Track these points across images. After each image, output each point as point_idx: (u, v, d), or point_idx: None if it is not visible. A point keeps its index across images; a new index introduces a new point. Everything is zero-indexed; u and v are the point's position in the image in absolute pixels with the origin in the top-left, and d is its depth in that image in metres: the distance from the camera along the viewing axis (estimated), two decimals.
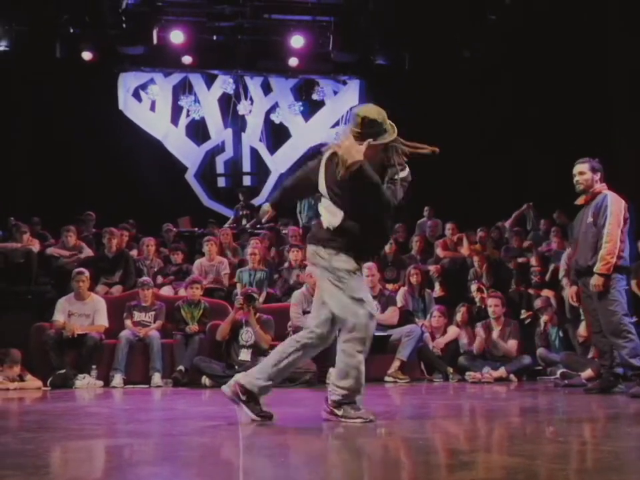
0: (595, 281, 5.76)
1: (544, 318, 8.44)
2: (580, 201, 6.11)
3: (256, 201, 13.84)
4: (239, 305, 7.69)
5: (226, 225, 12.16)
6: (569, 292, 6.57)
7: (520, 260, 10.12)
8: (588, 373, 7.07)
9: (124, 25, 12.06)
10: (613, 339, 5.83)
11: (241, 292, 8.20)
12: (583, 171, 6.00)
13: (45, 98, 12.72)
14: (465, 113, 12.92)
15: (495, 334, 8.10)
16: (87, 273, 8.25)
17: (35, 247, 9.74)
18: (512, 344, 8.05)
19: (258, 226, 12.59)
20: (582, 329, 8.01)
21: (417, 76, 12.97)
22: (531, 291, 9.41)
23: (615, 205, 5.82)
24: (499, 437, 3.83)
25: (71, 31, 12.12)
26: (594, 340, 6.28)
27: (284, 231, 11.57)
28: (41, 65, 12.55)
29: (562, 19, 11.42)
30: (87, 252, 9.80)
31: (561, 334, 8.29)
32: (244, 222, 12.74)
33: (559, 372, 7.36)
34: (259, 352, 7.57)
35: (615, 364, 6.06)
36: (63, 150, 12.89)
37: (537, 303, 8.68)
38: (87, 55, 12.56)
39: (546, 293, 9.11)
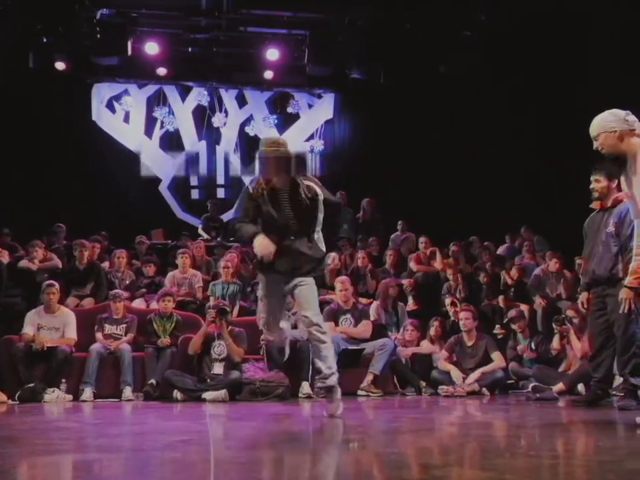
0: (625, 294, 5.54)
1: (515, 327, 8.50)
2: (595, 205, 6.02)
3: (229, 214, 13.84)
4: (211, 319, 7.66)
5: (200, 238, 12.07)
6: (581, 298, 6.37)
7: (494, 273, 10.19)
8: (559, 386, 7.12)
9: (98, 36, 11.99)
10: (621, 354, 5.74)
11: (213, 305, 8.16)
12: (598, 179, 5.94)
13: (18, 108, 12.60)
14: (439, 127, 13.02)
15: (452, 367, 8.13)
16: (57, 286, 8.16)
17: (5, 258, 9.60)
18: (496, 356, 8.06)
19: (232, 239, 12.55)
20: (555, 342, 8.07)
21: (393, 90, 13.05)
22: (502, 305, 9.47)
23: None
24: (471, 451, 3.83)
25: (45, 40, 12.02)
26: (594, 352, 6.18)
27: None
28: (14, 74, 12.43)
29: (537, 33, 11.56)
30: (57, 263, 9.70)
31: (532, 346, 8.33)
32: (213, 234, 12.65)
33: (530, 385, 7.39)
34: (231, 365, 7.53)
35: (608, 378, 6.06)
36: (35, 160, 12.77)
37: (511, 313, 8.73)
38: (60, 65, 12.46)
39: (518, 306, 9.19)
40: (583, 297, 6.21)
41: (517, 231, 11.95)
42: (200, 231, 12.90)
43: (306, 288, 5.14)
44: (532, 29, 11.50)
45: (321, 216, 5.12)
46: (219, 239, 12.41)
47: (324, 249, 5.23)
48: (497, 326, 9.16)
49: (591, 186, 6.01)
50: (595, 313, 6.03)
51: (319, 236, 5.20)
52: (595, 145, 4.71)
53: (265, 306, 5.37)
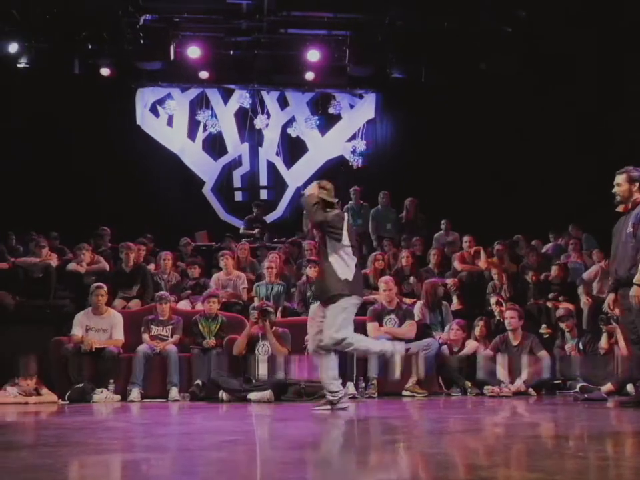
0: (635, 292, 5.66)
1: (564, 326, 8.39)
2: (620, 208, 6.07)
3: (272, 216, 13.98)
4: (254, 319, 7.70)
5: (244, 240, 12.14)
6: (607, 299, 6.32)
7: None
8: (608, 386, 7.00)
9: (141, 41, 12.16)
10: None
11: (256, 306, 8.22)
12: (619, 182, 5.97)
13: (64, 114, 12.86)
14: (481, 126, 12.92)
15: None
16: (105, 288, 8.29)
17: (54, 261, 9.81)
18: (543, 354, 7.99)
19: (274, 240, 12.62)
20: (603, 342, 7.94)
21: (434, 89, 12.98)
22: (549, 304, 9.36)
23: None
24: (518, 452, 3.80)
25: (89, 47, 12.23)
26: (632, 352, 6.15)
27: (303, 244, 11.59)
28: (60, 81, 12.69)
29: (577, 30, 11.39)
30: (104, 266, 9.86)
31: (580, 346, 8.22)
32: (257, 235, 12.77)
33: (578, 386, 7.28)
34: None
35: None
36: (81, 165, 13.00)
37: (559, 312, 8.63)
38: (105, 71, 12.67)
39: (565, 305, 9.08)
40: (609, 298, 6.25)
41: (561, 229, 11.79)
42: (242, 232, 13.01)
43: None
44: (571, 25, 11.32)
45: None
46: (264, 238, 12.56)
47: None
48: (543, 325, 9.05)
49: (613, 190, 6.04)
50: (625, 313, 6.00)
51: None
52: None
53: None
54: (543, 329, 8.96)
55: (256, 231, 12.78)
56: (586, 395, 6.92)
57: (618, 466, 3.28)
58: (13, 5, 11.25)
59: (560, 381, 8.20)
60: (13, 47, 12.05)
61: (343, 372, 7.60)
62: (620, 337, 7.69)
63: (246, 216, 13.47)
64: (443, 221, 11.91)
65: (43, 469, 3.24)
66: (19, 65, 12.31)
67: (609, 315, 7.91)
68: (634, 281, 5.69)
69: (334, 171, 14.40)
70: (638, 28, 10.75)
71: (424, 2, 11.56)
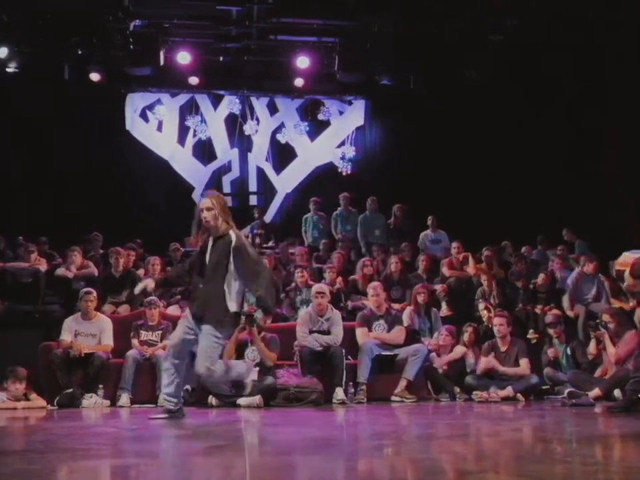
0: None
1: (552, 332, 8.44)
2: None
3: (267, 218, 14.09)
4: (242, 326, 7.68)
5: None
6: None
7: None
8: (595, 392, 7.05)
9: (131, 47, 12.14)
10: None
11: (244, 312, 8.20)
12: None
13: (54, 119, 12.83)
14: (470, 133, 12.98)
15: (492, 360, 8.05)
16: (94, 293, 8.28)
17: (43, 266, 9.78)
18: (523, 362, 8.01)
19: (264, 245, 12.63)
20: (591, 347, 7.99)
21: (423, 96, 13.03)
22: (537, 311, 9.41)
23: None
24: (507, 457, 3.81)
25: (79, 52, 12.21)
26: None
27: (291, 251, 11.60)
28: (50, 86, 12.65)
29: (563, 39, 11.47)
30: (93, 271, 9.84)
31: (568, 352, 8.26)
32: (257, 240, 12.79)
33: (566, 391, 7.32)
34: (265, 371, 7.57)
35: None
36: (71, 170, 12.96)
37: (548, 318, 8.68)
38: (94, 76, 12.64)
39: (554, 311, 9.13)
40: None
41: (551, 235, 11.84)
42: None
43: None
44: (559, 34, 11.40)
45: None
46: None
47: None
48: (531, 330, 9.10)
49: None
50: None
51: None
52: None
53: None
54: (531, 334, 9.02)
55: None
56: (574, 401, 6.96)
57: (606, 471, 3.31)
58: (2, 9, 11.22)
59: (548, 387, 8.24)
60: (3, 52, 11.98)
61: (332, 378, 7.67)
62: (608, 342, 7.76)
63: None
64: (429, 217, 11.96)
65: (31, 475, 3.23)
66: (8, 70, 12.26)
67: (598, 321, 7.97)
68: None
69: (323, 177, 14.45)
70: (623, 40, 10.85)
71: (413, 10, 11.59)
